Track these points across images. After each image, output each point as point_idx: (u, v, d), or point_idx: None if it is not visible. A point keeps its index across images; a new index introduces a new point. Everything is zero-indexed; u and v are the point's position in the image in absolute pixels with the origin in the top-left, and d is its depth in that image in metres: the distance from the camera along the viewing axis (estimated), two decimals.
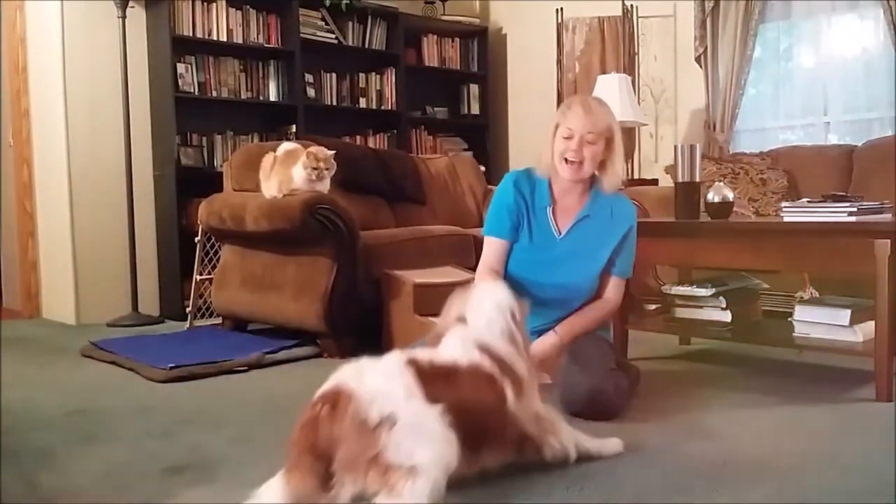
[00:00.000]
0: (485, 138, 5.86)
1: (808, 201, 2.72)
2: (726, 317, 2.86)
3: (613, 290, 2.44)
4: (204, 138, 4.69)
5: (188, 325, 4.09)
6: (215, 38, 4.66)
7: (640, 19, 5.03)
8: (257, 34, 4.85)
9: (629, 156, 4.87)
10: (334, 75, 5.24)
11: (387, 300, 3.35)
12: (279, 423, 2.20)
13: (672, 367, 3.04)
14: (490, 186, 4.57)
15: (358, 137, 5.33)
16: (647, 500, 1.66)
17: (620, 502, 1.65)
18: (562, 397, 2.26)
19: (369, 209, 4.01)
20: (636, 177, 4.89)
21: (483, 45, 5.87)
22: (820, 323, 2.65)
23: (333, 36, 5.18)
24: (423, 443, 1.43)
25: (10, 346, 3.70)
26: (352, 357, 1.61)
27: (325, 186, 3.39)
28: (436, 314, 1.96)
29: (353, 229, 3.30)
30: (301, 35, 4.94)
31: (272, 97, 4.94)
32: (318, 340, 3.34)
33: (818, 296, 3.03)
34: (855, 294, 2.65)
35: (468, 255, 3.67)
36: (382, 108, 5.45)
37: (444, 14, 5.80)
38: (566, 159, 2.31)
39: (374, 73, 5.43)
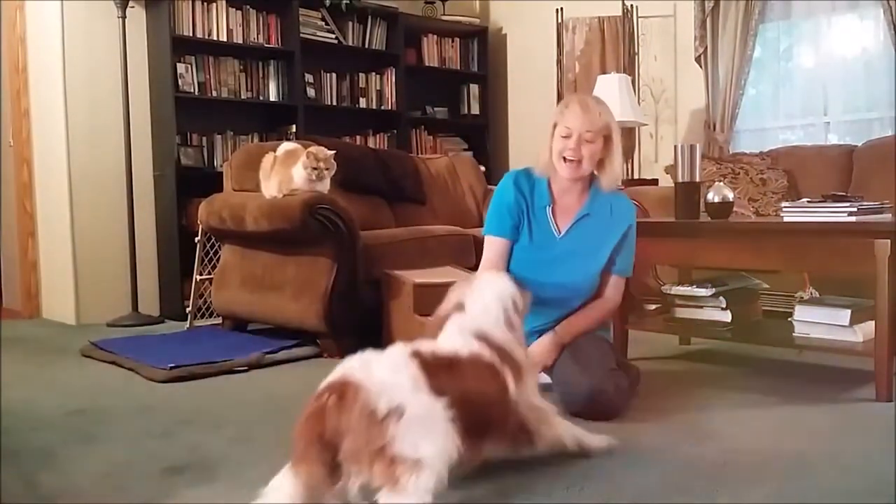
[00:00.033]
0: (485, 138, 5.86)
1: (808, 201, 2.72)
2: (726, 317, 2.86)
3: (613, 289, 2.44)
4: (204, 138, 4.69)
5: (188, 325, 4.09)
6: (215, 38, 4.66)
7: (640, 19, 5.03)
8: (257, 34, 4.85)
9: (629, 156, 4.87)
10: (334, 75, 5.24)
11: (387, 300, 3.35)
12: (279, 423, 2.21)
13: (672, 367, 3.04)
14: (490, 186, 4.56)
15: (358, 137, 5.33)
16: (647, 501, 1.66)
17: (620, 502, 1.65)
18: (562, 397, 2.27)
19: (369, 209, 4.01)
20: (636, 177, 4.89)
21: (483, 45, 5.87)
22: (820, 323, 2.65)
23: (333, 36, 5.18)
24: (429, 436, 1.44)
25: (10, 346, 3.70)
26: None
27: (325, 186, 3.39)
28: None
29: (353, 229, 3.30)
30: (301, 35, 4.94)
31: (272, 97, 4.94)
32: (318, 340, 3.34)
33: (818, 296, 3.03)
34: (855, 294, 2.65)
35: (468, 255, 3.67)
36: (382, 108, 5.45)
37: (444, 14, 5.80)
38: (565, 158, 2.32)
39: (374, 73, 5.43)
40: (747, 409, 2.38)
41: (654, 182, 4.65)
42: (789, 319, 2.77)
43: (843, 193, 2.89)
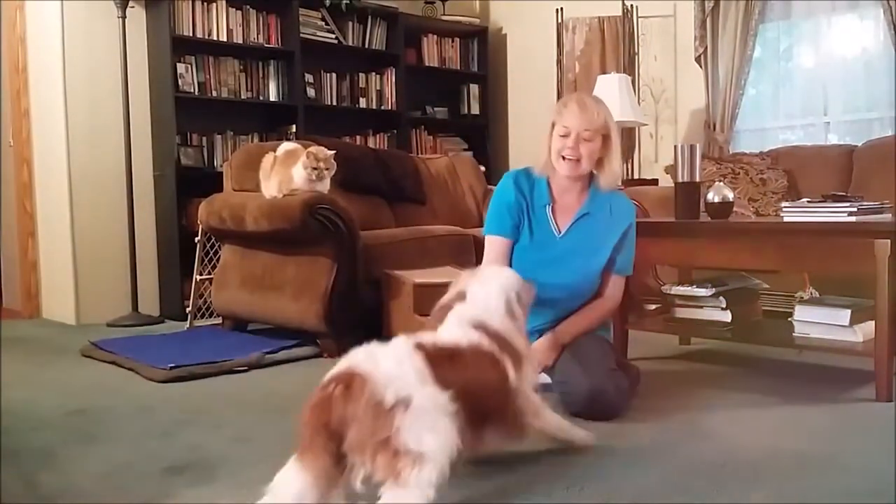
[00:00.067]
0: (485, 138, 5.86)
1: (808, 201, 2.72)
2: (726, 317, 2.86)
3: (613, 288, 2.44)
4: (204, 138, 4.69)
5: (188, 325, 4.09)
6: (215, 38, 4.66)
7: (640, 19, 5.03)
8: (257, 34, 4.85)
9: (629, 156, 4.87)
10: (334, 75, 5.24)
11: (387, 300, 3.36)
12: (279, 423, 2.21)
13: (672, 367, 3.04)
14: (490, 186, 4.57)
15: (358, 137, 5.33)
16: (647, 500, 1.66)
17: (620, 502, 1.65)
18: (562, 397, 2.27)
19: (369, 209, 4.01)
20: (636, 177, 4.89)
21: (483, 45, 5.87)
22: (820, 323, 2.65)
23: (333, 36, 5.18)
24: (433, 429, 1.45)
25: (10, 346, 3.70)
26: None
27: (325, 186, 3.39)
28: None
29: (353, 229, 3.30)
30: (301, 35, 4.94)
31: (272, 97, 4.94)
32: (318, 340, 3.35)
33: (818, 296, 3.03)
34: (855, 294, 2.65)
35: (468, 255, 3.67)
36: (382, 108, 5.45)
37: (444, 14, 5.80)
38: (564, 157, 2.32)
39: (374, 73, 5.43)
40: (747, 409, 2.38)
41: (654, 182, 4.65)
42: (789, 319, 2.77)
43: (843, 193, 2.88)
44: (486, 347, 1.71)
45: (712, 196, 2.91)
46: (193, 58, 4.61)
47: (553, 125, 2.34)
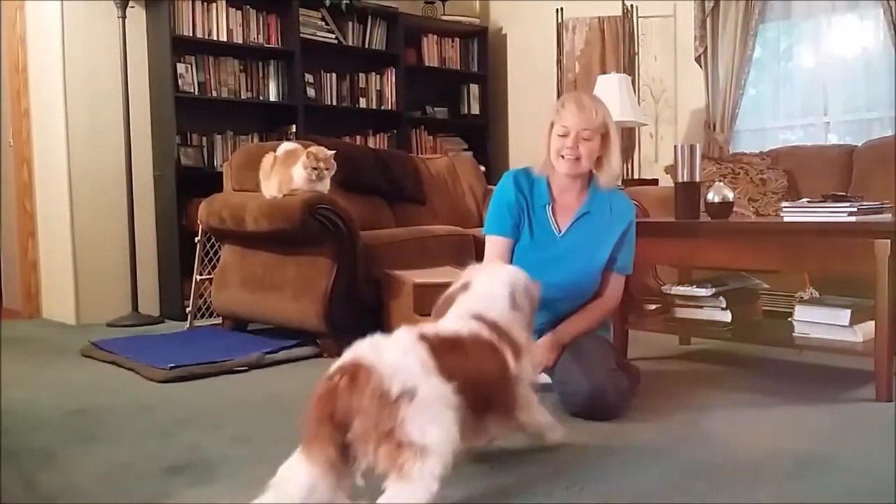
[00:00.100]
0: (485, 138, 5.86)
1: (808, 201, 2.72)
2: (726, 317, 2.86)
3: (614, 287, 2.44)
4: (204, 138, 4.69)
5: (188, 325, 4.09)
6: (215, 38, 4.66)
7: (640, 19, 5.03)
8: (257, 34, 4.85)
9: (629, 155, 4.87)
10: (334, 75, 5.24)
11: (387, 300, 3.35)
12: (279, 423, 2.21)
13: (672, 367, 3.04)
14: (490, 186, 4.56)
15: (358, 137, 5.33)
16: (647, 500, 1.66)
17: (620, 502, 1.65)
18: (562, 397, 2.27)
19: (369, 209, 4.01)
20: (636, 177, 4.89)
21: (483, 45, 5.87)
22: (820, 323, 2.65)
23: (333, 36, 5.18)
24: (437, 420, 1.45)
25: (10, 346, 3.70)
26: None
27: (325, 186, 3.38)
28: None
29: (353, 229, 3.30)
30: (301, 35, 4.94)
31: (272, 97, 4.94)
32: (318, 340, 3.35)
33: (818, 296, 3.03)
34: (855, 294, 2.65)
35: (468, 255, 3.66)
36: (382, 108, 5.45)
37: (444, 14, 5.80)
38: (563, 156, 2.32)
39: (374, 73, 5.43)
40: (747, 409, 2.38)
41: (654, 182, 4.65)
42: (789, 319, 2.77)
43: (843, 193, 2.88)
44: (484, 336, 1.72)
45: (712, 196, 2.91)
46: (193, 58, 4.61)
47: (552, 125, 2.34)
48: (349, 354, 1.52)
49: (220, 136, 4.74)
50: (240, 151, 4.04)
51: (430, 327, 1.69)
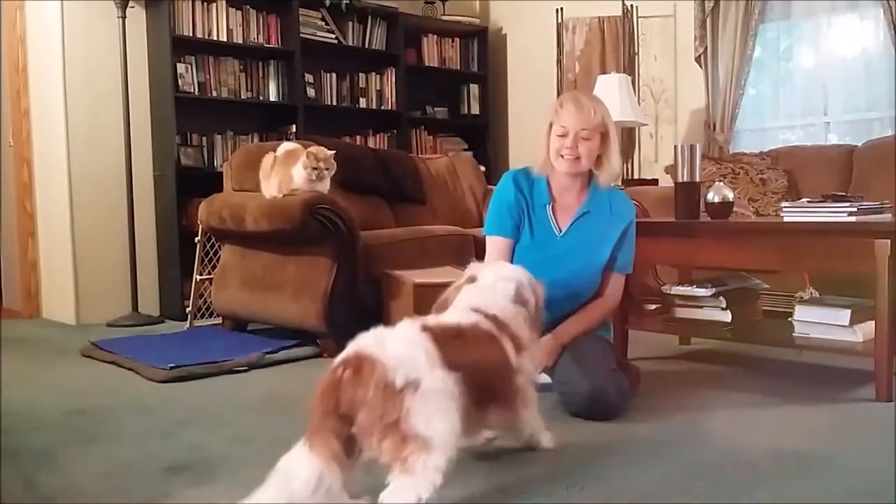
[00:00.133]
0: (485, 138, 5.86)
1: (808, 201, 2.72)
2: (726, 317, 2.86)
3: (614, 287, 2.44)
4: (204, 138, 4.69)
5: (188, 325, 4.09)
6: (215, 38, 4.66)
7: (640, 19, 5.03)
8: (257, 34, 4.85)
9: (629, 155, 4.87)
10: (334, 75, 5.24)
11: (387, 300, 3.36)
12: (279, 423, 2.21)
13: (672, 367, 3.04)
14: (490, 186, 4.56)
15: (358, 137, 5.33)
16: (647, 500, 1.65)
17: (620, 502, 1.65)
18: (562, 397, 2.27)
19: (369, 209, 4.01)
20: (636, 177, 4.89)
21: (483, 45, 5.87)
22: (820, 323, 2.65)
23: (333, 36, 5.18)
24: (441, 412, 1.45)
25: (10, 346, 3.70)
26: None
27: (325, 186, 3.39)
28: None
29: (353, 229, 3.30)
30: (301, 35, 4.94)
31: (272, 97, 4.94)
32: (318, 340, 3.35)
33: (818, 296, 3.03)
34: (855, 294, 2.65)
35: (468, 255, 3.66)
36: (382, 108, 5.45)
37: (444, 14, 5.80)
38: (562, 155, 2.32)
39: (374, 73, 5.43)
40: (747, 409, 2.38)
41: (654, 182, 4.65)
42: (789, 319, 2.77)
43: (843, 193, 2.89)
44: (484, 326, 1.73)
45: (712, 196, 2.91)
46: (193, 58, 4.61)
47: (550, 125, 2.34)
48: (353, 347, 1.52)
49: (220, 136, 4.74)
50: (240, 151, 4.04)
51: (433, 319, 1.70)
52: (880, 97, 4.28)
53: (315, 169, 3.32)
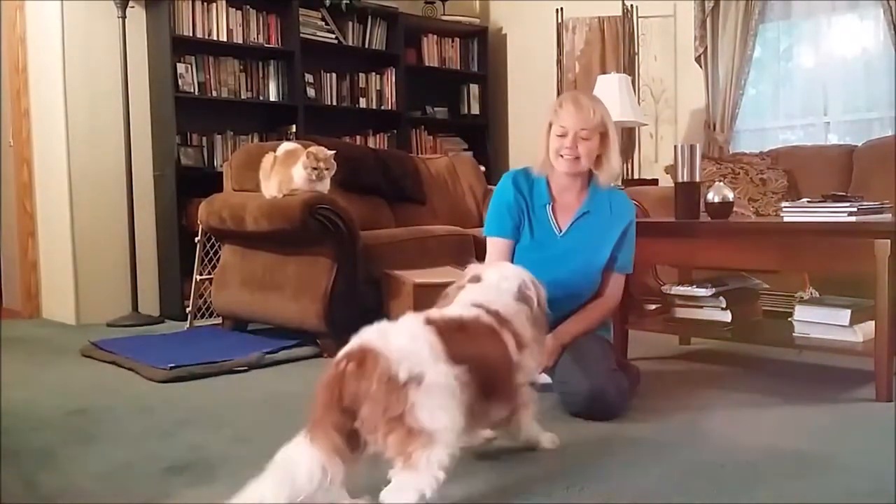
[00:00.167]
0: (485, 138, 5.86)
1: (808, 201, 2.72)
2: (726, 317, 2.86)
3: (614, 287, 2.44)
4: (204, 138, 4.69)
5: (188, 325, 4.09)
6: (215, 38, 4.66)
7: (640, 19, 5.03)
8: (257, 34, 4.85)
9: (629, 155, 4.87)
10: (334, 75, 5.24)
11: (387, 300, 3.36)
12: (279, 423, 2.20)
13: (672, 367, 3.04)
14: (490, 186, 4.56)
15: (358, 137, 5.33)
16: (647, 501, 1.65)
17: (620, 502, 1.65)
18: (562, 398, 2.27)
19: (369, 209, 4.01)
20: (636, 177, 4.89)
21: (483, 45, 5.87)
22: (820, 323, 2.65)
23: (333, 36, 5.18)
24: (445, 406, 1.45)
25: (10, 346, 3.70)
26: None
27: (325, 186, 3.39)
28: None
29: (353, 229, 3.30)
30: (301, 35, 4.94)
31: (272, 97, 4.94)
32: (318, 340, 3.35)
33: (818, 296, 3.03)
34: (855, 294, 2.65)
35: (468, 255, 3.66)
36: (382, 108, 5.45)
37: (444, 14, 5.80)
38: (561, 155, 2.32)
39: (374, 73, 5.43)
40: (747, 409, 2.38)
41: (654, 182, 4.65)
42: (789, 319, 2.77)
43: (843, 193, 2.88)
44: (485, 320, 1.73)
45: (712, 196, 2.91)
46: (193, 58, 4.61)
47: (550, 125, 2.34)
48: (356, 340, 1.52)
49: (220, 136, 4.74)
50: (240, 151, 4.04)
51: (436, 312, 1.70)
52: (880, 97, 4.28)
53: (315, 169, 3.32)
